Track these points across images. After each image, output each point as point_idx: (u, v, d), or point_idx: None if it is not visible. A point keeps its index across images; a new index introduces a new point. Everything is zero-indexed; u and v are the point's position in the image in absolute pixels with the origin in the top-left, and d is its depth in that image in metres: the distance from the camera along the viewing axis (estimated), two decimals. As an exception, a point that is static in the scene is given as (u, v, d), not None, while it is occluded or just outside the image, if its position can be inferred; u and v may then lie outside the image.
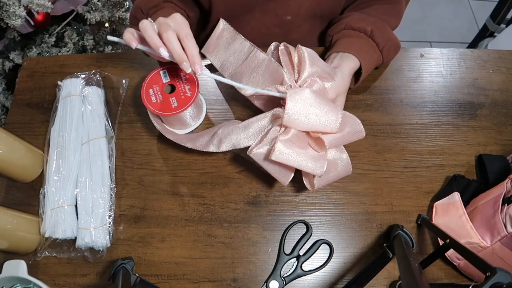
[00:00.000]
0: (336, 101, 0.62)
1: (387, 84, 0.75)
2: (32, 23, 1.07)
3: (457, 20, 1.96)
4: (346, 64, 0.64)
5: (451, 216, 0.59)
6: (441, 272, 0.61)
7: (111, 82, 0.74)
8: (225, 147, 0.57)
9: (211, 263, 0.61)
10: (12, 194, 0.66)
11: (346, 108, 0.72)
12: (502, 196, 0.55)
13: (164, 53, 0.52)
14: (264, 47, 0.68)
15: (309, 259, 0.61)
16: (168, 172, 0.67)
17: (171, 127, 0.69)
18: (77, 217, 0.62)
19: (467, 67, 0.77)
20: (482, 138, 0.70)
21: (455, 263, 0.59)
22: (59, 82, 0.72)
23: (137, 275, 0.55)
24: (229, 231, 0.63)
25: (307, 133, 0.55)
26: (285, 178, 0.57)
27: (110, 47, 1.26)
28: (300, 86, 0.56)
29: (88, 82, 0.72)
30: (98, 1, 1.18)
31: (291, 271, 0.61)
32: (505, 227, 0.52)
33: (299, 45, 0.58)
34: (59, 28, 1.17)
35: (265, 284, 0.60)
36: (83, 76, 0.72)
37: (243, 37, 0.64)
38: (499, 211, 0.53)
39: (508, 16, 1.34)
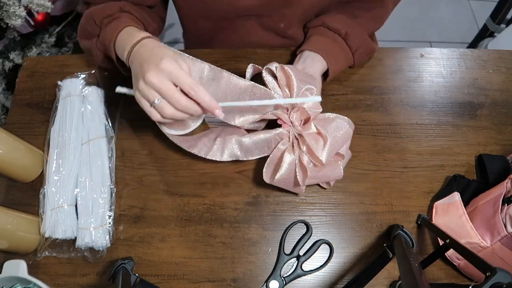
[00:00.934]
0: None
1: (387, 84, 0.75)
2: (32, 23, 1.07)
3: (457, 20, 1.96)
4: (317, 67, 0.67)
5: (451, 216, 0.59)
6: (441, 272, 0.61)
7: (111, 82, 0.74)
8: (226, 157, 0.60)
9: (211, 263, 0.61)
10: (12, 194, 0.66)
11: (346, 108, 0.73)
12: (502, 196, 0.55)
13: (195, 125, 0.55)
14: (263, 48, 0.69)
15: (309, 259, 0.61)
16: (168, 172, 0.67)
17: (169, 128, 0.69)
18: (77, 217, 0.62)
19: (467, 67, 0.77)
20: (482, 138, 0.70)
21: (455, 263, 0.59)
22: (59, 82, 0.72)
23: (137, 275, 0.55)
24: (229, 231, 0.63)
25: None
26: (298, 191, 0.62)
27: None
28: (293, 108, 0.59)
29: (88, 82, 0.72)
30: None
31: (291, 271, 0.61)
32: (505, 227, 0.52)
33: (282, 65, 0.59)
34: (59, 28, 1.17)
35: (265, 284, 0.60)
36: (83, 76, 0.72)
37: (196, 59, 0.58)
38: (499, 211, 0.53)
39: (508, 16, 1.34)
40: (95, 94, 0.70)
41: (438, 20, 1.96)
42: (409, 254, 0.48)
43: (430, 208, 0.64)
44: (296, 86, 0.58)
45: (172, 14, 0.77)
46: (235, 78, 0.58)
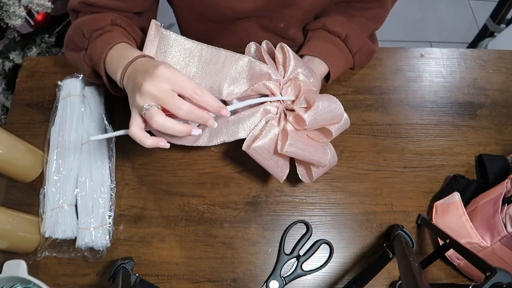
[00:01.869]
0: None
1: (387, 84, 0.75)
2: (32, 23, 1.07)
3: (457, 20, 1.96)
4: (318, 69, 0.66)
5: (451, 216, 0.59)
6: (441, 272, 0.61)
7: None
8: (215, 141, 0.55)
9: (211, 263, 0.61)
10: (12, 194, 0.66)
11: (346, 108, 0.72)
12: (502, 196, 0.55)
13: (197, 132, 0.46)
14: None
15: (309, 259, 0.61)
16: (168, 172, 0.67)
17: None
18: (77, 217, 0.62)
19: (467, 67, 0.77)
20: (482, 138, 0.70)
21: (455, 263, 0.59)
22: (59, 82, 0.72)
23: (137, 275, 0.55)
24: (229, 231, 0.63)
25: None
26: (282, 174, 0.56)
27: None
28: (288, 81, 0.56)
29: (88, 82, 0.72)
30: (98, 1, 1.18)
31: (291, 271, 0.61)
32: (505, 227, 0.52)
33: (282, 43, 0.56)
34: (59, 28, 1.17)
35: (265, 284, 0.60)
36: (83, 76, 0.72)
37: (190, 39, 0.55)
38: (499, 211, 0.53)
39: (508, 16, 1.34)
40: (95, 94, 0.70)
41: (438, 20, 1.96)
42: (409, 254, 0.48)
43: (430, 208, 0.64)
44: (293, 65, 0.56)
45: (172, 14, 0.77)
46: (234, 55, 0.54)
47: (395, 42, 1.86)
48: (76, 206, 0.63)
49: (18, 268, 0.54)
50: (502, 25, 1.35)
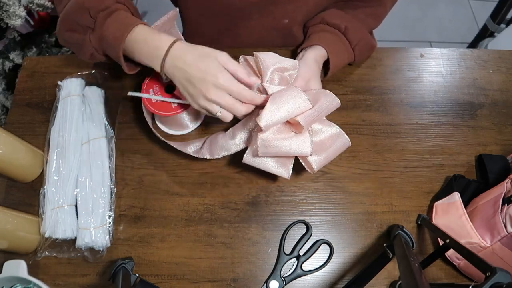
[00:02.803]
0: (310, 86, 0.62)
1: (387, 84, 0.75)
2: (32, 23, 1.08)
3: (457, 20, 1.96)
4: (310, 53, 0.65)
5: (451, 216, 0.59)
6: (441, 272, 0.61)
7: (111, 82, 0.74)
8: (217, 154, 0.60)
9: (211, 263, 0.61)
10: (12, 194, 0.66)
11: (346, 108, 0.72)
12: (502, 196, 0.55)
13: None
14: (262, 48, 0.68)
15: (309, 259, 0.61)
16: (168, 172, 0.67)
17: (168, 128, 0.69)
18: (77, 217, 0.62)
19: (467, 67, 0.77)
20: (482, 138, 0.70)
21: (455, 263, 0.59)
22: (59, 82, 0.72)
23: (137, 275, 0.55)
24: (229, 231, 0.63)
25: (286, 122, 0.56)
26: (286, 171, 0.57)
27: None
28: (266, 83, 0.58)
29: (88, 82, 0.72)
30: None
31: (291, 271, 0.61)
32: (505, 227, 0.52)
33: (254, 52, 0.59)
34: (59, 28, 1.17)
35: (265, 284, 0.60)
36: (83, 76, 0.72)
37: None
38: (499, 211, 0.53)
39: (508, 16, 1.34)
40: (95, 94, 0.70)
41: (438, 20, 1.96)
42: (409, 254, 0.48)
43: (430, 208, 0.64)
44: (270, 70, 0.57)
45: (172, 14, 0.77)
46: None
47: (395, 42, 1.86)
48: (76, 206, 0.63)
49: (18, 268, 0.54)
50: (502, 25, 1.35)
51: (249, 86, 0.56)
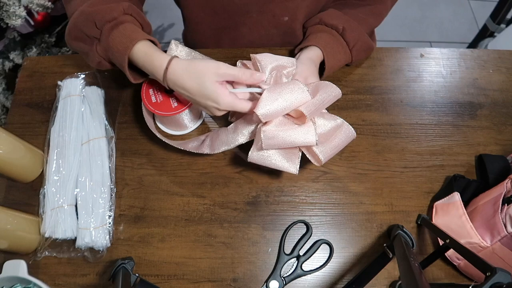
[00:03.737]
0: (309, 82, 0.62)
1: (387, 84, 0.75)
2: (32, 23, 1.07)
3: (457, 20, 1.96)
4: (305, 53, 0.66)
5: (451, 216, 0.59)
6: (441, 272, 0.61)
7: (111, 82, 0.74)
8: (218, 148, 0.60)
9: (211, 263, 0.61)
10: (12, 194, 0.66)
11: (346, 108, 0.73)
12: (502, 196, 0.55)
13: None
14: (262, 48, 0.68)
15: (309, 259, 0.61)
16: (168, 172, 0.67)
17: (168, 128, 0.69)
18: (77, 217, 0.62)
19: (467, 67, 0.77)
20: (482, 138, 0.70)
21: (455, 263, 0.59)
22: (59, 82, 0.72)
23: (137, 275, 0.55)
24: (229, 231, 0.63)
25: (287, 114, 0.56)
26: (294, 166, 0.57)
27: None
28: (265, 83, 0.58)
29: (88, 82, 0.72)
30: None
31: (291, 271, 0.61)
32: (505, 227, 0.52)
33: (251, 54, 0.60)
34: (59, 28, 1.17)
35: (265, 284, 0.60)
36: (83, 76, 0.72)
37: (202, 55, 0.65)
38: (499, 211, 0.53)
39: (508, 16, 1.34)
40: (95, 94, 0.70)
41: (438, 20, 1.96)
42: (409, 254, 0.48)
43: (430, 208, 0.64)
44: (268, 71, 0.59)
45: (172, 14, 0.77)
46: None
47: (395, 42, 1.86)
48: (76, 206, 0.63)
49: (18, 268, 0.54)
50: (502, 25, 1.35)
51: (257, 84, 0.56)
